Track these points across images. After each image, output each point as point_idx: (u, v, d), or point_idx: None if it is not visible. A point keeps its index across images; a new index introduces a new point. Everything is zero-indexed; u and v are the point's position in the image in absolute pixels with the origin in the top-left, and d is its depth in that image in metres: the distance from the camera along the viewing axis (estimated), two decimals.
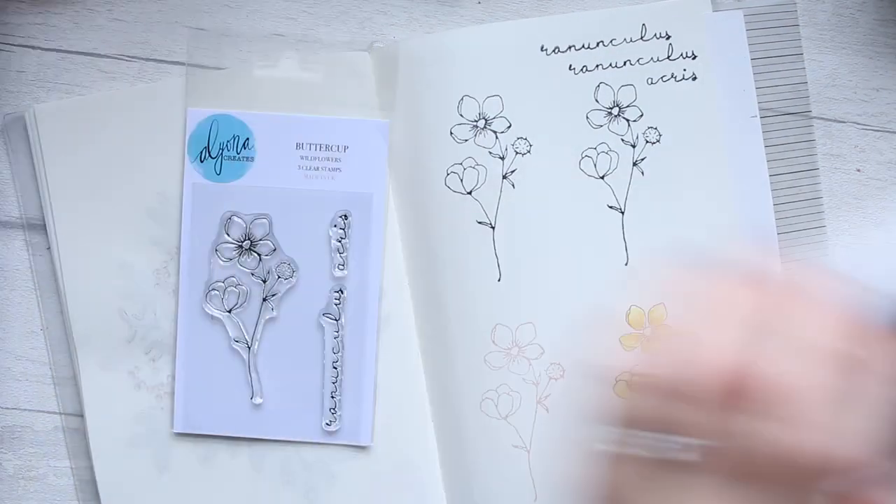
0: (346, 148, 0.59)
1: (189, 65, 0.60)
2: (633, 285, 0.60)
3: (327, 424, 0.59)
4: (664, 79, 0.60)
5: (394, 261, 0.60)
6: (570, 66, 0.59)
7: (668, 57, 0.60)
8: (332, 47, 0.60)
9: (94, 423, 0.59)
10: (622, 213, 0.60)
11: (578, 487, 0.40)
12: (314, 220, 0.59)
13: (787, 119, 0.61)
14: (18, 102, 0.60)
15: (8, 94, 0.60)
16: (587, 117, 0.60)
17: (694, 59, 0.60)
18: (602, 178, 0.60)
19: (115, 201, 0.59)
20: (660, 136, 0.60)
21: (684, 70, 0.60)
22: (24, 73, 0.60)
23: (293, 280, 0.59)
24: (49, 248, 0.60)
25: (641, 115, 0.60)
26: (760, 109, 0.60)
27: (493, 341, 0.59)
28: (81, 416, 0.59)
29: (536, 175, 0.59)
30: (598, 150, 0.60)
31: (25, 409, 0.60)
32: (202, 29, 0.60)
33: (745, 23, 0.60)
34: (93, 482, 0.59)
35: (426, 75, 0.59)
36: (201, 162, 0.59)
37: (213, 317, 0.59)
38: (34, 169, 0.59)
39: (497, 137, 0.59)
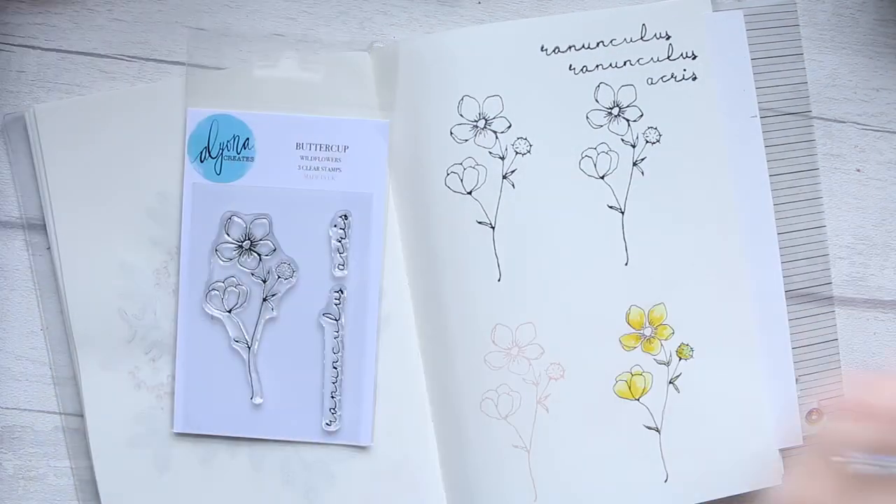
0: (346, 148, 0.59)
1: (189, 65, 0.60)
2: (633, 285, 0.60)
3: (327, 424, 0.59)
4: (664, 79, 0.60)
5: (394, 261, 0.60)
6: (570, 66, 0.59)
7: (668, 57, 0.60)
8: (332, 47, 0.60)
9: (94, 423, 0.59)
10: (622, 213, 0.60)
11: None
12: (314, 220, 0.59)
13: (787, 119, 0.61)
14: (18, 102, 0.60)
15: (8, 94, 0.60)
16: (587, 117, 0.60)
17: (694, 59, 0.60)
18: (602, 178, 0.60)
19: (115, 201, 0.59)
20: (660, 136, 0.60)
21: (684, 70, 0.60)
22: (24, 73, 0.60)
23: (293, 280, 0.59)
24: (49, 248, 0.60)
25: (641, 115, 0.60)
26: (760, 109, 0.60)
27: (493, 341, 0.59)
28: (81, 416, 0.59)
29: (536, 175, 0.59)
30: (598, 150, 0.60)
31: (25, 409, 0.60)
32: (202, 29, 0.60)
33: (745, 23, 0.60)
34: (93, 482, 0.59)
35: (426, 75, 0.59)
36: (201, 162, 0.59)
37: (213, 317, 0.59)
38: (34, 169, 0.59)
39: (497, 137, 0.59)
